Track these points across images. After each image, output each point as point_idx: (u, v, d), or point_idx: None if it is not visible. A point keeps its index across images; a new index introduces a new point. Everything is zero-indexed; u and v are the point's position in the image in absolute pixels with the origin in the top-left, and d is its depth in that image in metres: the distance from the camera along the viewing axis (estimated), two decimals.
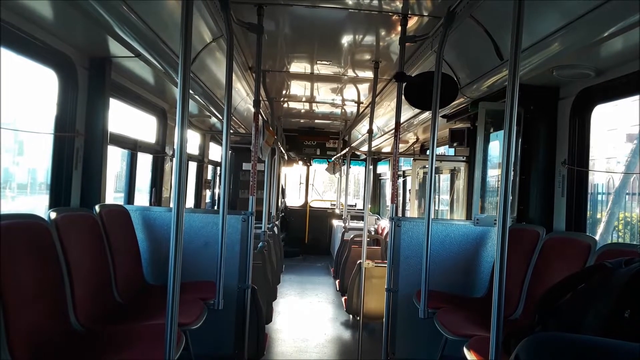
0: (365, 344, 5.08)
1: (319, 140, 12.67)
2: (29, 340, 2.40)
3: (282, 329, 6.25)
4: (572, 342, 1.69)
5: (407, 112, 5.73)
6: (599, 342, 1.72)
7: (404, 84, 4.10)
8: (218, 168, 9.28)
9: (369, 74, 5.90)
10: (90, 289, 3.17)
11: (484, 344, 2.59)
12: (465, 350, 2.89)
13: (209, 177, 8.94)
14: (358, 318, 5.54)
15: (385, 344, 4.23)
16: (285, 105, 8.77)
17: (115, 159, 4.84)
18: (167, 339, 2.30)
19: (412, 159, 7.96)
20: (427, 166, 4.15)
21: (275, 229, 8.49)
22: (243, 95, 6.59)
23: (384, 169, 12.27)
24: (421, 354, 4.18)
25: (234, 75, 3.95)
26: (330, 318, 7.01)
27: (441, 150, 7.38)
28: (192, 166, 7.95)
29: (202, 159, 8.21)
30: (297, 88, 7.35)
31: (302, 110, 9.43)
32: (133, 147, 5.13)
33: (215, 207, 8.99)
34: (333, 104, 8.46)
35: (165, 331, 2.30)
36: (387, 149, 10.08)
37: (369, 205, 6.30)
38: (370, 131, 5.44)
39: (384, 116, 7.67)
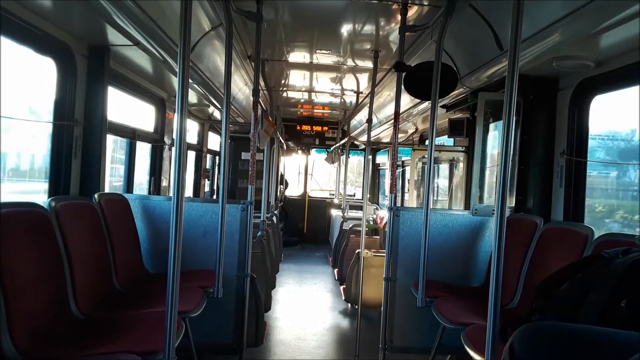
0: (363, 332, 5.12)
1: (318, 129, 12.66)
2: (30, 327, 2.42)
3: (281, 317, 6.30)
4: (567, 331, 1.71)
5: (407, 102, 5.71)
6: (595, 331, 1.74)
7: (404, 74, 4.09)
8: (217, 157, 9.28)
9: (369, 64, 5.88)
10: (90, 276, 3.19)
11: (481, 332, 2.62)
12: (463, 339, 2.92)
13: (208, 166, 8.94)
14: (356, 307, 5.57)
15: (383, 332, 4.27)
16: (284, 94, 8.74)
17: (109, 147, 4.80)
18: (167, 326, 2.32)
19: (411, 149, 7.96)
20: (426, 156, 4.15)
21: (274, 218, 8.50)
22: (242, 85, 6.57)
23: (383, 159, 12.26)
24: (419, 342, 4.22)
25: (232, 64, 3.94)
26: (328, 307, 7.05)
27: (440, 140, 7.38)
28: (191, 155, 7.94)
29: (200, 148, 8.20)
30: (296, 77, 7.32)
31: (301, 100, 9.40)
32: (132, 136, 5.12)
33: (214, 197, 9.00)
34: (332, 94, 8.43)
35: (165, 318, 2.32)
36: (386, 139, 10.06)
37: (368, 195, 6.30)
38: (369, 121, 5.43)
39: (383, 106, 7.65)
